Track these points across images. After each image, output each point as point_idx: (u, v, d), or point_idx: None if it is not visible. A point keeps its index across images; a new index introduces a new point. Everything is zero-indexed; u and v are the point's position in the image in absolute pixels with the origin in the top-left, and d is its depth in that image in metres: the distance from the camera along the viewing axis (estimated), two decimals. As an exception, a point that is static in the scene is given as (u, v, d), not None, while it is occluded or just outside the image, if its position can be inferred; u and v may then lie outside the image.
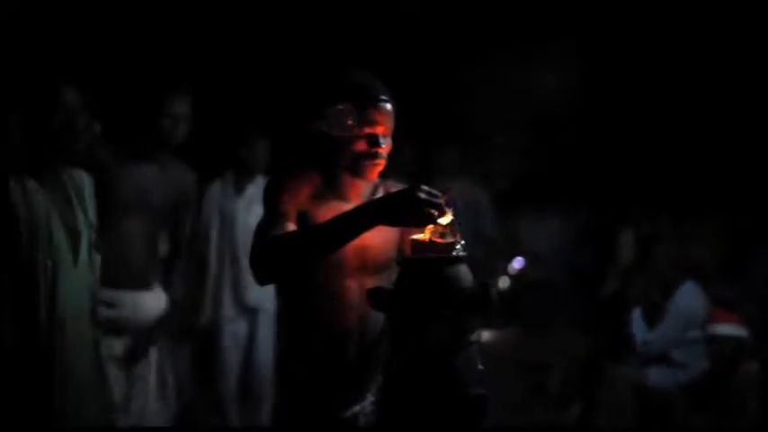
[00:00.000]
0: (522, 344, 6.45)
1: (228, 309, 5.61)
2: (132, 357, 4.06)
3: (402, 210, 2.54)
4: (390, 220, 2.56)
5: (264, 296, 5.50)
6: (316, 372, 2.79)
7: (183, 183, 4.29)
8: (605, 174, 7.60)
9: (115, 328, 3.96)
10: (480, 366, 2.58)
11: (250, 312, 5.62)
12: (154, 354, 4.15)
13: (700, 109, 7.40)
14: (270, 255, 2.63)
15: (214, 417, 5.55)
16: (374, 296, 2.57)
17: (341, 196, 2.83)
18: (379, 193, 2.93)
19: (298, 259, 2.63)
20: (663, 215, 6.46)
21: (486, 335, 6.05)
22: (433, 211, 2.53)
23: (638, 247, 6.26)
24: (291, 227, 2.70)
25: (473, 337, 2.57)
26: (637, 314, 5.66)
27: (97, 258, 3.24)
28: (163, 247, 4.35)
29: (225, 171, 5.77)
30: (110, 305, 3.92)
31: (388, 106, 2.78)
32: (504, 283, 6.55)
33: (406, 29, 7.09)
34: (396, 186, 2.92)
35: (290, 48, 6.97)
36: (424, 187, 2.54)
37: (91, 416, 3.06)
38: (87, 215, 3.19)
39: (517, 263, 6.73)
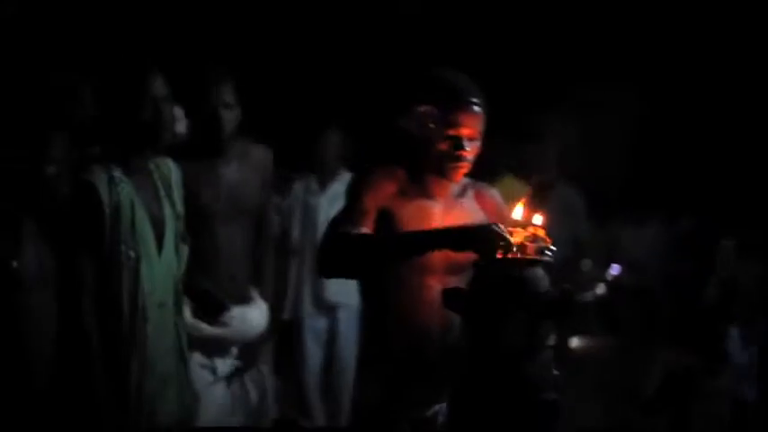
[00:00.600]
0: (616, 351, 6.34)
1: (308, 305, 5.63)
2: (236, 376, 3.83)
3: (477, 244, 2.55)
4: (462, 249, 2.58)
5: (344, 293, 5.51)
6: (398, 370, 2.77)
7: (265, 166, 3.96)
8: (710, 180, 7.42)
9: (219, 347, 3.76)
10: (556, 372, 2.53)
11: (329, 309, 5.63)
12: (256, 372, 3.92)
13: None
14: (338, 251, 2.63)
15: (296, 413, 5.57)
16: (448, 296, 2.54)
17: (427, 194, 2.80)
18: (468, 195, 2.90)
19: (365, 262, 2.65)
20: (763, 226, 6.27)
21: (580, 341, 5.97)
22: (503, 244, 2.52)
23: (738, 260, 6.10)
24: (367, 226, 2.69)
25: (549, 342, 2.53)
26: (734, 331, 5.51)
27: (184, 249, 3.25)
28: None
29: (308, 169, 5.80)
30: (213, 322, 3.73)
31: (476, 109, 2.74)
32: (600, 289, 6.44)
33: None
34: (485, 188, 2.90)
35: (368, 43, 6.96)
36: (500, 226, 2.54)
37: (170, 405, 3.09)
38: (174, 206, 3.20)
39: (614, 269, 6.61)
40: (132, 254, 3.01)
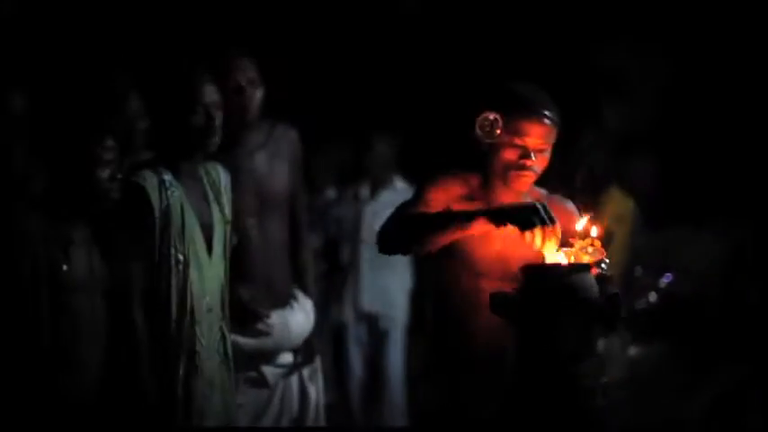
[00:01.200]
0: (669, 361, 6.26)
1: (349, 312, 5.65)
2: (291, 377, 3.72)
3: (512, 217, 2.59)
4: (500, 223, 2.61)
5: (382, 302, 5.55)
6: (461, 376, 2.78)
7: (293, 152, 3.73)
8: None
9: (263, 358, 3.63)
10: (605, 379, 2.52)
11: (368, 318, 5.65)
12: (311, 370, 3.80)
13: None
14: (398, 227, 2.71)
15: (340, 416, 5.59)
16: (495, 301, 2.54)
17: (492, 202, 2.81)
18: None
19: (420, 236, 2.68)
20: None
21: (632, 350, 5.91)
22: (539, 224, 2.56)
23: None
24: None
25: (598, 348, 2.51)
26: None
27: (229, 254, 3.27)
28: None
29: (358, 176, 5.82)
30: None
31: (546, 121, 2.75)
32: (652, 297, 6.38)
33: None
34: (560, 200, 2.90)
35: (424, 48, 6.96)
36: (541, 204, 2.59)
37: (216, 408, 3.12)
38: (223, 211, 3.23)
39: (666, 278, 6.53)
40: (182, 257, 3.06)
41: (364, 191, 5.79)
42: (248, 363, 3.56)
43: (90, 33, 5.38)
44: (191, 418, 3.03)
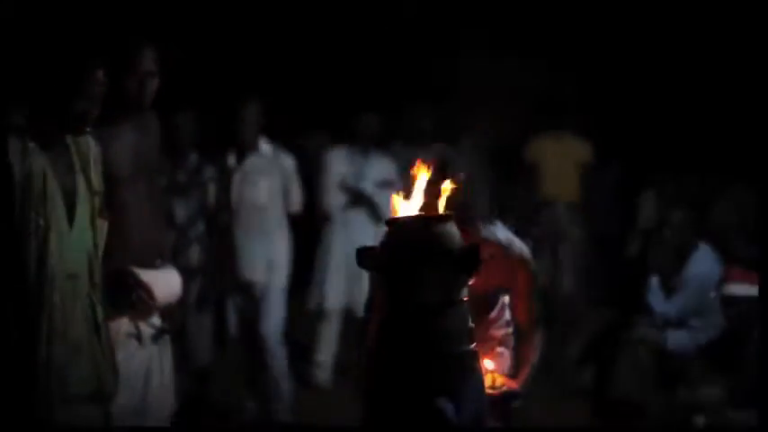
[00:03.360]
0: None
1: (226, 281, 5.76)
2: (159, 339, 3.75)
3: None
4: None
5: (259, 269, 5.69)
6: None
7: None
8: (632, 132, 7.53)
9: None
10: (471, 324, 2.59)
11: (246, 285, 5.75)
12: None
13: (730, 68, 7.31)
14: None
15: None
16: (362, 254, 2.58)
17: None
18: None
19: None
20: (689, 176, 6.37)
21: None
22: None
23: (658, 210, 6.21)
24: None
25: (462, 296, 2.58)
26: (654, 282, 5.60)
27: (103, 225, 3.27)
28: None
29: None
30: None
31: None
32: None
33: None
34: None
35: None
36: None
37: (82, 373, 3.12)
38: (89, 181, 3.23)
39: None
40: (42, 222, 3.05)
41: (231, 158, 5.73)
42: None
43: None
44: (52, 382, 3.03)
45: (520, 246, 3.30)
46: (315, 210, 6.38)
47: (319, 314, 6.42)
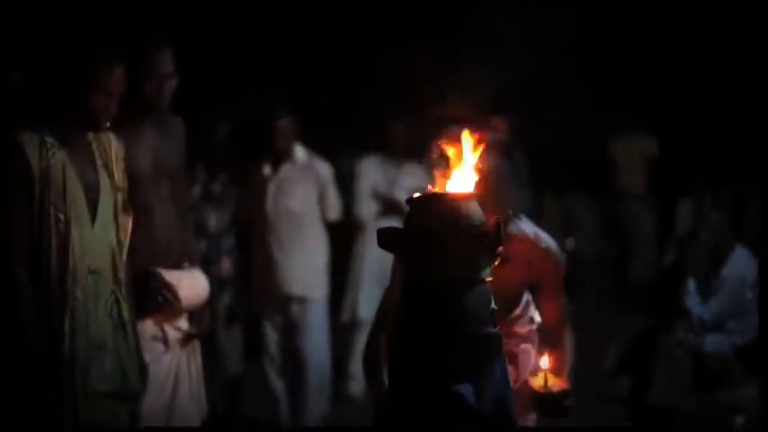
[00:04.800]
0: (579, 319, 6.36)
1: (262, 293, 5.79)
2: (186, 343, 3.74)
3: None
4: None
5: (296, 282, 5.67)
6: None
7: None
8: (665, 141, 7.48)
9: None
10: (494, 306, 2.53)
11: (282, 299, 5.72)
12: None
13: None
14: None
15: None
16: (383, 235, 2.53)
17: None
18: None
19: None
20: (726, 183, 6.32)
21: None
22: None
23: (695, 216, 6.15)
24: None
25: (485, 275, 2.52)
26: (691, 286, 5.57)
27: (127, 221, 3.26)
28: None
29: None
30: None
31: None
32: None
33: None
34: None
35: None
36: None
37: (105, 371, 3.10)
38: (112, 177, 3.22)
39: (570, 242, 6.67)
40: (62, 217, 3.05)
41: (266, 167, 5.71)
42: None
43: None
44: (74, 377, 3.02)
45: (547, 239, 3.25)
46: (347, 219, 6.35)
47: (352, 325, 6.35)
